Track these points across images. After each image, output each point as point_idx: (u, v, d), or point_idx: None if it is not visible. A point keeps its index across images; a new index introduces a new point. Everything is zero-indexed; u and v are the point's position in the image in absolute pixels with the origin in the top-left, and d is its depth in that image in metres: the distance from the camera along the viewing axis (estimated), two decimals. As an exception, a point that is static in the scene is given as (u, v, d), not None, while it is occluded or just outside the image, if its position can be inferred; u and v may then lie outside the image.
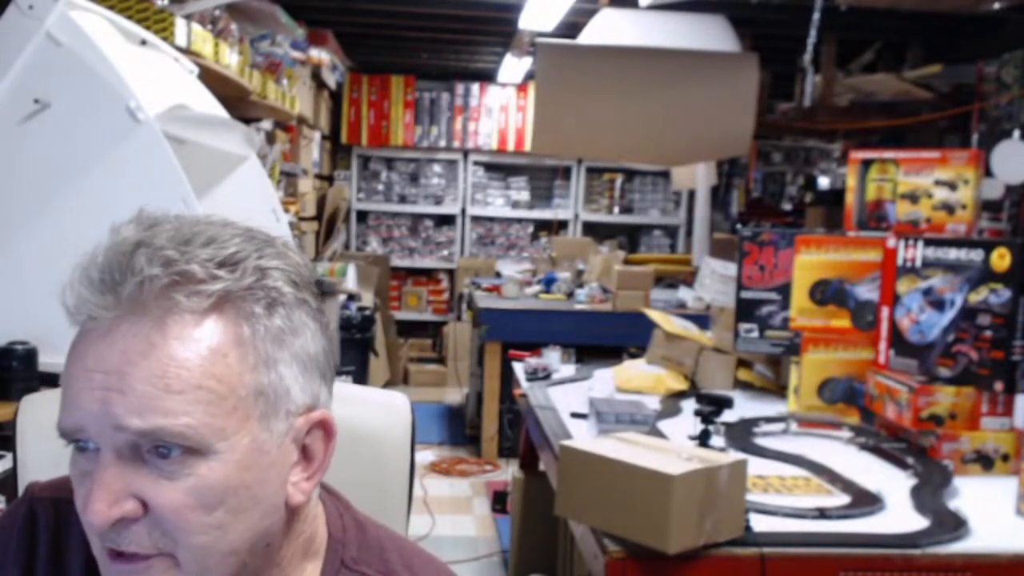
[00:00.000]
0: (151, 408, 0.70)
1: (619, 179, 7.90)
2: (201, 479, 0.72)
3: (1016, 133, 4.09)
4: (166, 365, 0.71)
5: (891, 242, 2.27)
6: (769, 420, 2.34)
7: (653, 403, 2.55)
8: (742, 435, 2.19)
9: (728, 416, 2.14)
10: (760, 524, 1.61)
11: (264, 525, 0.77)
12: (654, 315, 2.96)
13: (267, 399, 0.75)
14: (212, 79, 3.05)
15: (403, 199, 7.86)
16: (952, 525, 1.65)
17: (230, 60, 3.29)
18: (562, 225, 7.87)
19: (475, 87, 7.73)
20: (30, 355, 2.00)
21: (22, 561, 0.87)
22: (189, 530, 0.72)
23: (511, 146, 7.74)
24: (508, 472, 4.26)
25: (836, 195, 5.48)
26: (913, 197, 2.34)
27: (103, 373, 0.71)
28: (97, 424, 0.72)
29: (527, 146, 7.50)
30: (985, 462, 2.02)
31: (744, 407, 2.46)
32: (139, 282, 0.71)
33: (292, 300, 0.77)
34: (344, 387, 1.37)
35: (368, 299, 5.87)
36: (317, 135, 6.39)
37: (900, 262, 2.22)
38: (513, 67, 6.73)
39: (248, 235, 0.77)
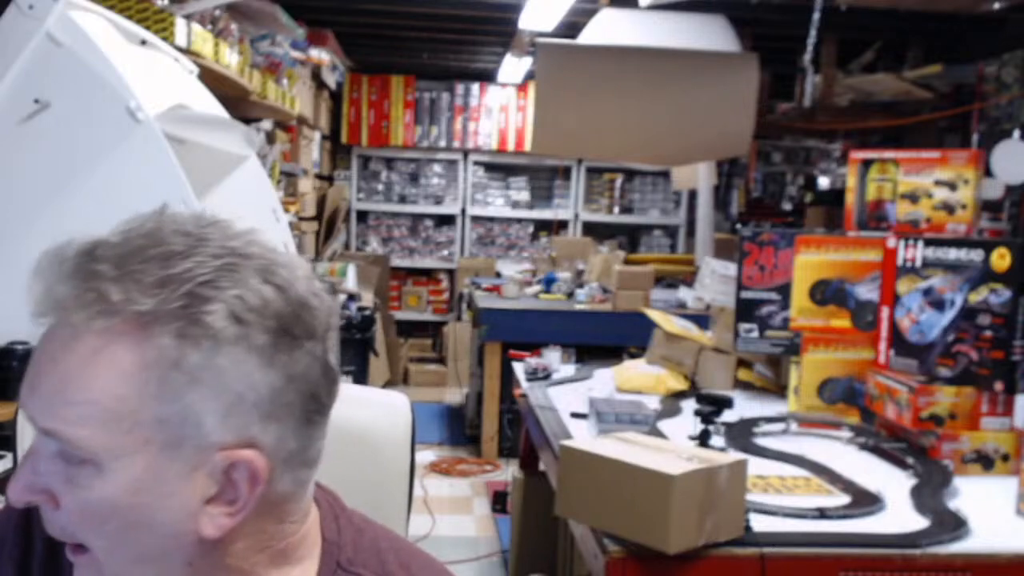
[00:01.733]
0: (50, 412, 0.73)
1: (619, 179, 7.89)
2: (91, 491, 0.73)
3: (1016, 133, 4.10)
4: (69, 375, 0.73)
5: (891, 242, 2.27)
6: (769, 420, 2.34)
7: (653, 403, 2.55)
8: (742, 435, 2.19)
9: (728, 416, 2.14)
10: (760, 524, 1.61)
11: (170, 547, 0.76)
12: (654, 315, 2.96)
13: (170, 428, 0.73)
14: (212, 79, 3.05)
15: (403, 199, 7.86)
16: (952, 525, 1.65)
17: (230, 60, 3.29)
18: (562, 225, 7.87)
19: (475, 87, 7.73)
20: (30, 355, 1.99)
21: (18, 558, 0.88)
22: (87, 534, 0.75)
23: (511, 146, 7.74)
24: (508, 472, 4.26)
25: (836, 195, 5.49)
26: (913, 197, 2.34)
27: (34, 368, 0.76)
28: (26, 411, 0.76)
29: (527, 146, 7.49)
30: (985, 462, 2.02)
31: (744, 407, 2.46)
32: (58, 291, 0.73)
33: (225, 335, 0.72)
34: (344, 387, 1.37)
35: (368, 299, 5.87)
36: (317, 135, 6.39)
37: (900, 262, 2.22)
38: (513, 67, 6.72)
39: (218, 255, 0.74)
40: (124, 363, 0.72)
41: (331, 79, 6.15)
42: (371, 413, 1.24)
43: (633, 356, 3.05)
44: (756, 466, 1.86)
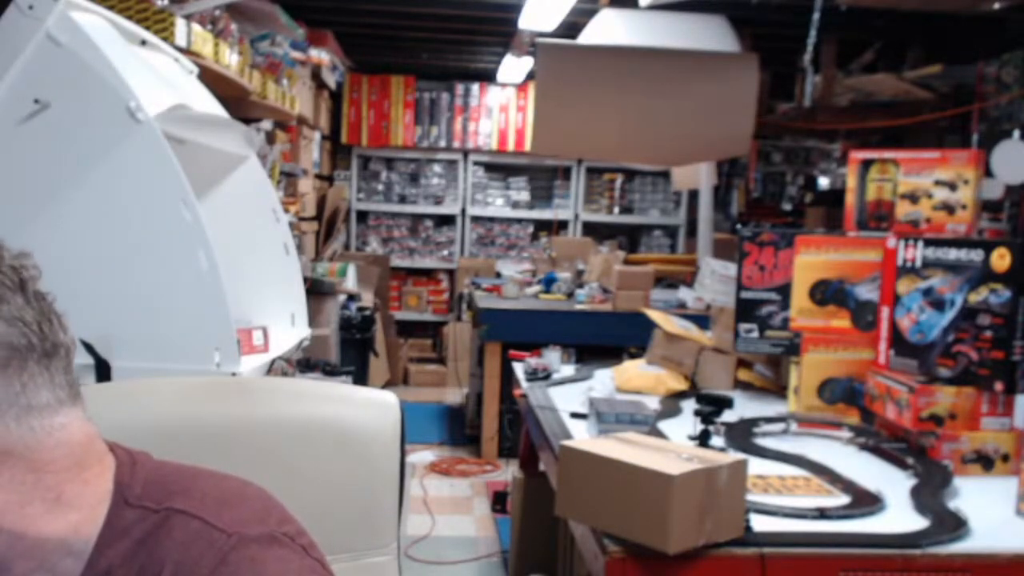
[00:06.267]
0: None
1: (619, 179, 7.89)
2: None
3: (1016, 133, 4.09)
4: None
5: (891, 242, 2.27)
6: (769, 420, 2.34)
7: (653, 403, 2.55)
8: (742, 435, 2.19)
9: (728, 416, 2.14)
10: (760, 524, 1.61)
11: None
12: (654, 315, 2.96)
13: None
14: (212, 79, 3.05)
15: (403, 199, 7.86)
16: (952, 525, 1.65)
17: (230, 60, 3.29)
18: (562, 225, 7.87)
19: (475, 87, 7.73)
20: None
21: None
22: None
23: (511, 146, 7.74)
24: (508, 472, 4.26)
25: (836, 195, 5.48)
26: (913, 197, 2.34)
27: None
28: None
29: (527, 146, 7.49)
30: (985, 462, 2.02)
31: (744, 407, 2.46)
32: None
33: None
34: (332, 387, 1.37)
35: (368, 299, 5.87)
36: (317, 135, 6.39)
37: (900, 262, 2.22)
38: (513, 67, 6.73)
39: None
40: None
41: (331, 79, 6.15)
42: (358, 412, 1.24)
43: (633, 356, 3.05)
44: (756, 466, 1.86)
